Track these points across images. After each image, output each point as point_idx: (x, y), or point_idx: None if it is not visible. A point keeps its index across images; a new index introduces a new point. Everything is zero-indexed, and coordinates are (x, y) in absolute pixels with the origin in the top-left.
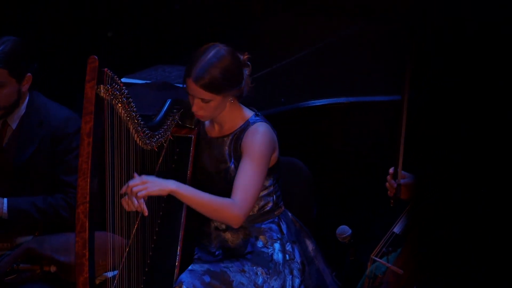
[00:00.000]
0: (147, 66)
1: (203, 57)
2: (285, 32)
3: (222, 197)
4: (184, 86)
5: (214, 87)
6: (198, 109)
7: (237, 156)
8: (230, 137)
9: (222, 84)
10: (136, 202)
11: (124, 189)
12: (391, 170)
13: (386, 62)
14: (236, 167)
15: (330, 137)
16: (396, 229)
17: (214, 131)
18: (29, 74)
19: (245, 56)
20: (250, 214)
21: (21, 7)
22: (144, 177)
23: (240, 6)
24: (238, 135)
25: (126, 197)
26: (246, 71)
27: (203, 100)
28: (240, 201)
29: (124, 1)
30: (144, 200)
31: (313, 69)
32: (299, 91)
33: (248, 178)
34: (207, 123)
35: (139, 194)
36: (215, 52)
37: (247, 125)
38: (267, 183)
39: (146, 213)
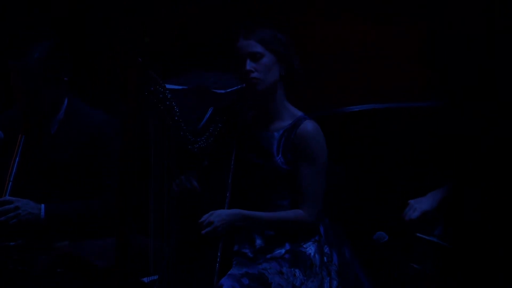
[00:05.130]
0: (184, 71)
1: (252, 23)
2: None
3: (288, 212)
4: (224, 93)
5: (264, 39)
6: (251, 68)
7: (286, 151)
8: (281, 132)
9: (272, 40)
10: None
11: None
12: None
13: (423, 68)
14: (283, 162)
15: (368, 142)
16: (436, 231)
17: (262, 125)
18: (66, 78)
19: None
20: None
21: (58, 11)
22: (216, 220)
23: (282, 10)
24: (290, 131)
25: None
26: (296, 57)
27: (254, 56)
28: (308, 208)
29: (161, 7)
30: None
31: (351, 74)
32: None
33: (311, 182)
34: (253, 117)
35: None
36: (264, 21)
37: (298, 121)
38: None
39: None
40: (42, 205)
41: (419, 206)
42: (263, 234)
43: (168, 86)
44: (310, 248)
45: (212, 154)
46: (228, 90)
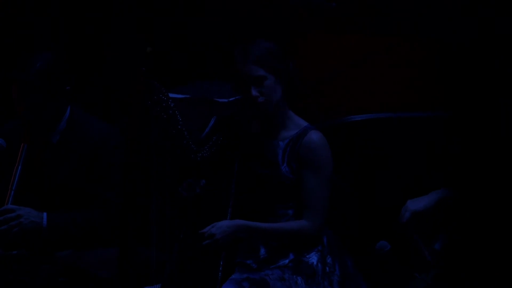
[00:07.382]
0: (185, 81)
1: (247, 43)
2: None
3: (291, 223)
4: (227, 102)
5: (262, 61)
6: (257, 94)
7: (291, 160)
8: (286, 142)
9: (268, 58)
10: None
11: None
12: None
13: (427, 78)
14: (288, 171)
15: (371, 152)
16: (437, 246)
17: (266, 134)
18: (67, 88)
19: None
20: None
21: (60, 22)
22: (218, 232)
23: (281, 23)
24: (295, 141)
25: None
26: (291, 64)
27: (257, 80)
28: (312, 219)
29: (163, 17)
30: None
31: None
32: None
33: (316, 193)
34: (256, 126)
35: (204, 243)
36: (257, 40)
37: (303, 131)
38: None
39: None
40: (44, 214)
41: (411, 206)
42: (268, 244)
43: (171, 95)
44: (312, 258)
45: (215, 163)
46: (231, 99)
